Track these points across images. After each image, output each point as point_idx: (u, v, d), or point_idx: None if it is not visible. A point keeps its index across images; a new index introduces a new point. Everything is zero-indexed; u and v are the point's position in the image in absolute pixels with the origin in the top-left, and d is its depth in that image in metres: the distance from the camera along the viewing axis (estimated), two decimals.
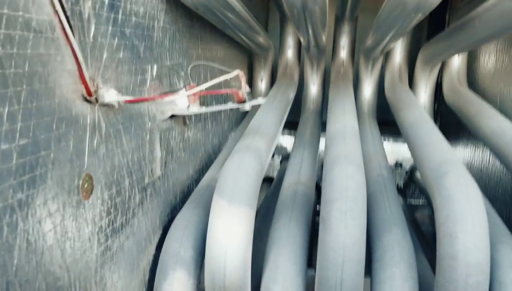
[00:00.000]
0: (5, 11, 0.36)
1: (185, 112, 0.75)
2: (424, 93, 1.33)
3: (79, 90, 0.49)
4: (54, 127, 0.44)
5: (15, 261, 0.39)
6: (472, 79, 1.28)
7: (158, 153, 0.71)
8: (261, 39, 1.27)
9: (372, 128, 1.19)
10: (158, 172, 0.72)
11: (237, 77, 0.69)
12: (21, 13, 0.37)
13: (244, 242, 0.64)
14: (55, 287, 0.45)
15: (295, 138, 1.19)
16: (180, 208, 0.78)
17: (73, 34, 0.45)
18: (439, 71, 1.35)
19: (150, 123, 0.68)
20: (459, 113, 1.17)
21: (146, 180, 0.67)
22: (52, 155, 0.44)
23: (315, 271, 0.65)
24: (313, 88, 1.38)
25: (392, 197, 0.82)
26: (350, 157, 0.70)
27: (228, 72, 0.71)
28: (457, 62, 1.30)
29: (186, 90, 0.68)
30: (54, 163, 0.44)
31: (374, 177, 0.87)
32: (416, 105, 1.05)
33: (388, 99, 1.25)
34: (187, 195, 0.83)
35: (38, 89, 0.41)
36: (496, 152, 0.90)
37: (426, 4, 0.74)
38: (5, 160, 0.37)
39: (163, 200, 0.74)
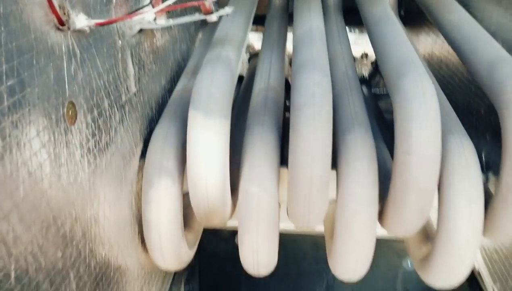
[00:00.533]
0: None
1: (153, 26, 0.75)
2: None
3: (51, 21, 0.49)
4: (34, 62, 0.45)
5: (21, 191, 0.43)
6: None
7: (131, 69, 0.73)
8: None
9: (338, 25, 1.20)
10: (133, 88, 0.74)
11: None
12: None
13: (221, 150, 0.70)
14: (57, 208, 0.50)
15: (263, 36, 1.20)
16: (157, 119, 0.82)
17: None
18: None
19: (120, 41, 0.68)
20: (421, 3, 1.19)
21: (123, 98, 0.70)
22: (37, 90, 0.46)
23: (287, 169, 0.72)
24: None
25: (356, 95, 0.87)
26: (316, 63, 0.74)
27: None
28: None
29: (153, 6, 0.68)
30: (40, 97, 0.46)
31: (340, 77, 0.92)
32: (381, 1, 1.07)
33: None
34: (162, 106, 0.86)
35: (15, 28, 0.42)
36: (453, 45, 0.95)
37: None
38: None
39: (141, 114, 0.78)
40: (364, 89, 1.49)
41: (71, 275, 0.53)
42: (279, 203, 0.77)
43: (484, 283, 1.01)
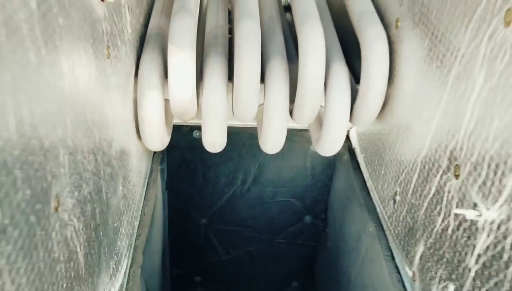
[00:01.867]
0: None
1: None
2: None
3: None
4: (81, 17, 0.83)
5: (67, 93, 0.81)
6: None
7: (128, 17, 1.09)
8: None
9: None
10: (129, 29, 1.11)
11: None
12: None
13: (190, 69, 1.10)
14: (87, 105, 0.89)
15: None
16: (140, 53, 1.19)
17: None
18: None
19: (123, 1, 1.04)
20: None
21: (125, 36, 1.07)
22: (82, 31, 0.84)
23: (232, 83, 1.15)
24: None
25: (278, 33, 1.29)
26: (251, 13, 1.14)
27: None
28: None
29: None
30: (83, 36, 0.84)
31: (267, 20, 1.32)
32: None
33: None
34: (143, 39, 1.23)
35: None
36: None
37: None
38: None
39: (133, 45, 1.15)
40: (289, 15, 1.89)
41: (94, 158, 0.92)
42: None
43: (356, 153, 1.55)
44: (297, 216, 1.89)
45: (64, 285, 0.68)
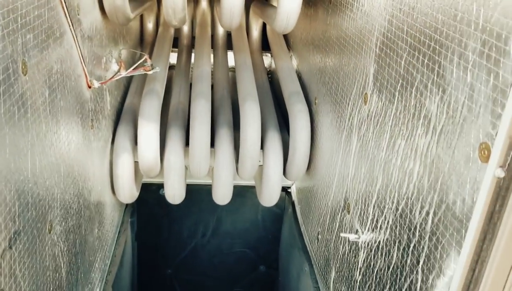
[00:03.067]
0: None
1: (117, 77, 1.44)
2: (255, 31, 2.11)
3: (84, 84, 1.18)
4: (76, 103, 1.15)
5: (57, 154, 1.12)
6: None
7: (107, 97, 1.42)
8: None
9: (223, 60, 1.96)
10: (109, 107, 1.43)
11: (145, 60, 1.40)
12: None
13: (155, 137, 1.42)
14: (72, 164, 1.20)
15: (174, 71, 1.90)
16: (117, 125, 1.51)
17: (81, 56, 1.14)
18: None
19: (104, 87, 1.38)
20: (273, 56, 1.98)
21: (106, 112, 1.39)
22: (74, 108, 1.15)
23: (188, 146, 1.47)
24: (186, 28, 2.08)
25: (227, 106, 1.63)
26: (203, 94, 1.48)
27: (140, 53, 1.42)
28: None
29: (119, 67, 1.38)
30: (70, 109, 1.16)
31: (219, 97, 1.68)
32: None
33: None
34: (119, 114, 1.56)
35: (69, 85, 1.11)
36: (280, 82, 1.74)
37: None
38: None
39: (112, 118, 1.48)
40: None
41: (77, 201, 1.22)
42: (185, 165, 1.52)
43: (295, 206, 1.86)
44: (252, 266, 2.14)
45: (51, 289, 0.94)
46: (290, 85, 1.63)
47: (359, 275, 1.08)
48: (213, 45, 2.00)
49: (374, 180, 1.00)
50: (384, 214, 0.94)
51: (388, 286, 0.91)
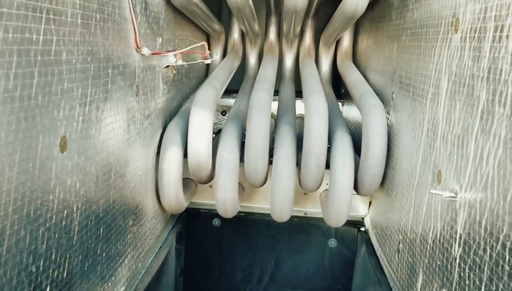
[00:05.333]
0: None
1: (174, 64, 1.36)
2: (325, 65, 2.01)
3: (133, 47, 1.10)
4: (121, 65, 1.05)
5: (100, 144, 0.99)
6: (354, 55, 1.97)
7: (161, 84, 1.33)
8: (215, 26, 1.89)
9: (290, 88, 1.84)
10: (161, 95, 1.33)
11: (203, 46, 1.32)
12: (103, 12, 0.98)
13: (207, 132, 1.26)
14: (117, 157, 1.06)
15: (238, 94, 1.82)
16: (173, 115, 1.40)
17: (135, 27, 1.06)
18: (335, 49, 2.03)
19: (157, 68, 1.29)
20: (344, 79, 1.84)
21: (157, 99, 1.29)
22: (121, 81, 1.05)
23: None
24: (252, 60, 2.03)
25: (291, 109, 1.47)
26: (265, 88, 1.34)
27: (198, 43, 1.34)
28: (345, 43, 1.98)
29: (175, 56, 1.30)
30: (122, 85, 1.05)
31: (284, 100, 1.53)
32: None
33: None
34: (173, 114, 1.45)
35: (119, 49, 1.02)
36: (349, 86, 1.57)
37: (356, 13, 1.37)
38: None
39: (163, 111, 1.36)
40: None
41: (113, 202, 1.06)
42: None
43: (368, 229, 1.53)
44: None
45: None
46: (361, 88, 1.45)
47: (459, 248, 0.78)
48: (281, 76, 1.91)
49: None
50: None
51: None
